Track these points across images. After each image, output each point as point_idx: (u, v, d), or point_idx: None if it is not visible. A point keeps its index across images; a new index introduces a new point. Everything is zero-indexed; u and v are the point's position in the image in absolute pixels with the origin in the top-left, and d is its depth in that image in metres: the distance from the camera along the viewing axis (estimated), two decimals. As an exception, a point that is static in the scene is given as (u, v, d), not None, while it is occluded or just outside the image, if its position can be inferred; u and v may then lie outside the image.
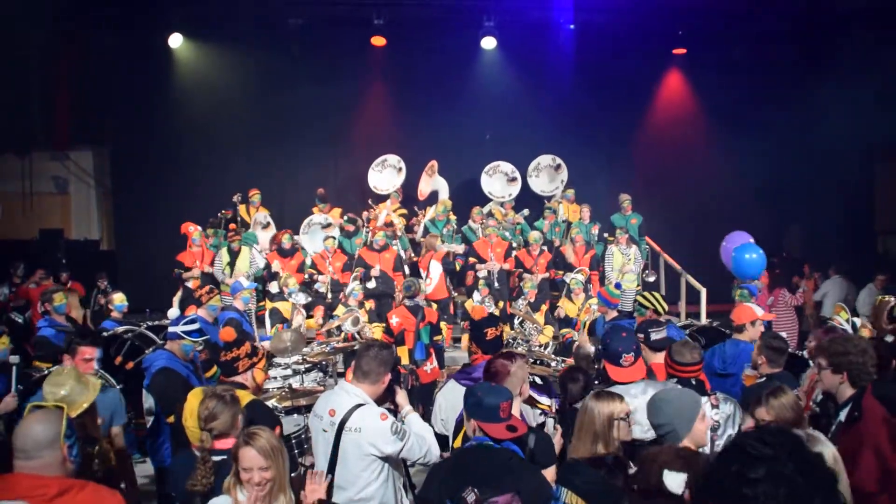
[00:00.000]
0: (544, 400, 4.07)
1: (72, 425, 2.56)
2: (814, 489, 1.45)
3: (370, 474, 3.24)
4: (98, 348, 4.28)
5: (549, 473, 3.08)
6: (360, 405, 3.27)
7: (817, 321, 10.20)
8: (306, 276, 9.76)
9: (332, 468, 3.25)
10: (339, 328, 7.64)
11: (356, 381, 3.37)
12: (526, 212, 11.29)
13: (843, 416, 3.30)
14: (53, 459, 2.45)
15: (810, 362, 4.55)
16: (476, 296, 8.98)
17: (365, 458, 3.22)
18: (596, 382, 4.05)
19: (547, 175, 11.98)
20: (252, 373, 3.88)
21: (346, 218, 10.61)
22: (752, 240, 9.00)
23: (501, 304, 9.37)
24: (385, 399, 3.48)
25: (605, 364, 3.63)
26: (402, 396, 3.52)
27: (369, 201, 11.33)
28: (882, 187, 13.57)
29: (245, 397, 3.60)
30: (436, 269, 9.23)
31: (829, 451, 2.53)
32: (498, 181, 11.76)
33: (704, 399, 3.72)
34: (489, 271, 9.67)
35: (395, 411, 3.49)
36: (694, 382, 3.88)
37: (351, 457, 3.21)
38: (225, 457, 3.03)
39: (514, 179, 11.72)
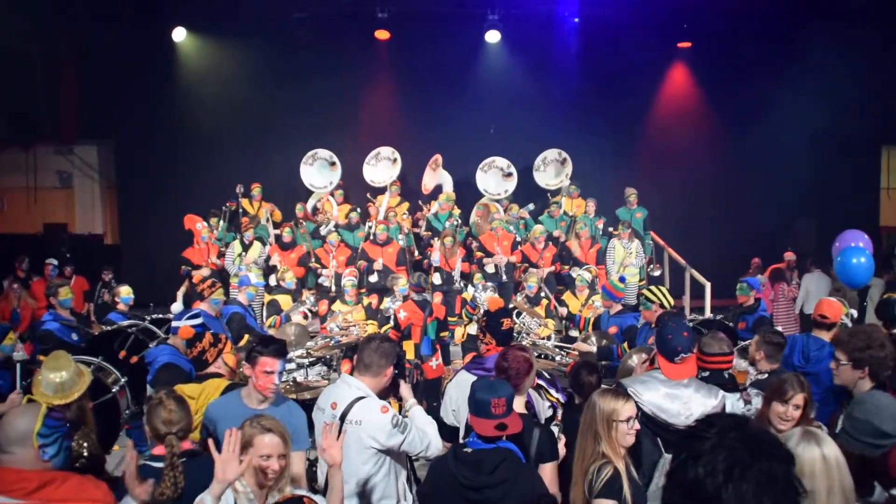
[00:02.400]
0: (553, 392, 4.05)
1: (53, 423, 2.46)
2: (754, 457, 1.44)
3: (371, 467, 3.22)
4: (282, 360, 3.39)
5: (549, 468, 3.09)
6: (360, 398, 3.26)
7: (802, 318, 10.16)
8: (306, 271, 9.78)
9: None
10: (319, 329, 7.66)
11: (358, 374, 3.36)
12: (531, 206, 11.23)
13: None
14: (26, 456, 2.40)
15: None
16: (470, 288, 8.91)
17: (365, 451, 3.20)
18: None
19: (553, 169, 11.89)
20: (222, 359, 3.96)
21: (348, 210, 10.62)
22: (863, 240, 7.57)
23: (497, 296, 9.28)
24: (389, 392, 3.47)
25: (657, 356, 3.55)
26: (405, 389, 3.50)
27: (368, 196, 11.29)
28: (888, 181, 13.54)
29: (222, 384, 3.71)
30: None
31: (824, 451, 2.26)
32: (493, 177, 11.56)
33: (736, 395, 3.69)
34: (496, 265, 9.64)
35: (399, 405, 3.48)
36: (726, 375, 3.84)
37: (352, 450, 3.20)
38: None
39: (509, 175, 11.50)
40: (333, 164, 11.36)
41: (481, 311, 7.69)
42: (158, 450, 2.93)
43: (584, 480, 2.78)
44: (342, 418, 3.22)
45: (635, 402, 3.34)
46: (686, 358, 3.46)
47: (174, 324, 4.99)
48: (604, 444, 2.80)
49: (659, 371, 3.49)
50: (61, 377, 3.34)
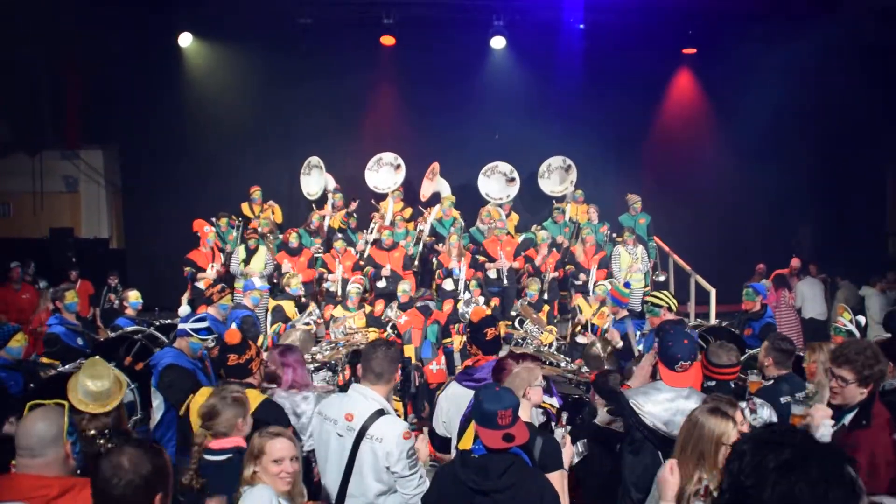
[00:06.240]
0: (547, 399, 4.03)
1: (73, 422, 2.55)
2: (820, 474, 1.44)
3: (383, 486, 3.19)
4: None
5: (556, 478, 3.02)
6: (381, 412, 3.22)
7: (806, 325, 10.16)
8: (317, 274, 9.77)
9: (347, 475, 3.21)
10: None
11: (370, 384, 3.31)
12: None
13: (847, 419, 3.18)
14: (57, 457, 2.43)
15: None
16: (466, 295, 8.88)
17: (380, 470, 3.18)
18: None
19: (558, 176, 11.91)
20: (260, 371, 3.87)
21: (346, 213, 10.63)
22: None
23: (493, 303, 9.22)
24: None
25: (658, 364, 3.52)
26: (421, 442, 3.40)
27: (372, 201, 11.29)
28: (894, 187, 13.51)
29: (258, 397, 3.59)
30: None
31: None
32: (496, 181, 11.61)
33: (743, 404, 3.66)
34: (498, 270, 9.62)
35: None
36: (733, 385, 3.80)
37: (367, 465, 3.17)
38: (224, 457, 2.99)
39: (512, 180, 11.54)
40: (320, 167, 11.36)
41: (464, 325, 7.69)
42: (218, 443, 3.01)
43: (683, 499, 2.72)
44: (362, 432, 3.17)
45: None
46: (686, 366, 3.41)
47: (180, 326, 4.97)
48: (704, 470, 2.73)
49: (661, 383, 3.45)
50: (100, 386, 3.32)
